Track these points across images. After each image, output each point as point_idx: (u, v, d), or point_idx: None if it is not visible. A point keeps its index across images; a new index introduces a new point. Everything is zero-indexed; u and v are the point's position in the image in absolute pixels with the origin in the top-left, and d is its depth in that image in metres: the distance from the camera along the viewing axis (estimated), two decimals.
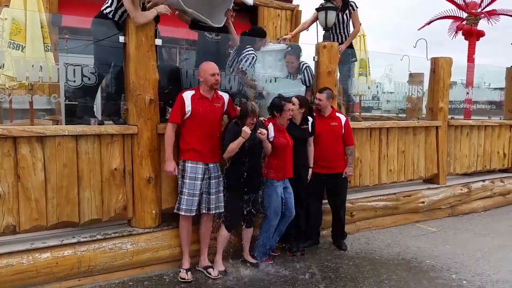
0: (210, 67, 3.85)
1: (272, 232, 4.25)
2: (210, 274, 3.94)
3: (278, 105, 4.17)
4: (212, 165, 3.90)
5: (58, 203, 3.62)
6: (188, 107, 3.79)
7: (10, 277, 3.36)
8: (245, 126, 3.79)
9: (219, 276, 3.91)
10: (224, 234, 4.03)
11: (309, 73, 5.08)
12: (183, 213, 3.82)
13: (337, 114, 4.79)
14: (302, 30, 6.29)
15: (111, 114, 4.42)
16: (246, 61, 4.77)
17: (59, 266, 3.54)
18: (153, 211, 3.99)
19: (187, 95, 3.83)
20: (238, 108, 4.08)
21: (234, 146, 3.79)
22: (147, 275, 3.93)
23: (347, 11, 5.77)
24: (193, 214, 3.84)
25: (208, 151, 3.85)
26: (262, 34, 5.13)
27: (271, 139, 4.09)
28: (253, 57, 4.82)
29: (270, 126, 4.16)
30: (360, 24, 6.01)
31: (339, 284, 3.91)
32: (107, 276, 3.79)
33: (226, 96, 4.07)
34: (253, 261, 4.21)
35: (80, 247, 3.65)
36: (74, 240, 3.66)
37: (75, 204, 3.70)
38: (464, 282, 4.01)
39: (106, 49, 4.12)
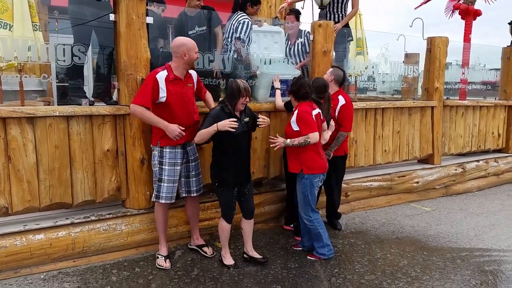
0: (193, 44, 3.57)
1: None
2: (206, 252, 3.94)
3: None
4: (189, 148, 3.75)
5: (50, 185, 3.58)
6: (163, 93, 3.49)
7: (3, 258, 3.35)
8: (227, 121, 3.43)
9: (214, 255, 3.92)
10: (224, 226, 3.71)
11: (310, 40, 5.01)
12: (163, 201, 3.65)
13: (339, 96, 4.48)
14: (299, 1, 6.19)
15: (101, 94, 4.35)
16: (242, 28, 4.68)
17: (53, 247, 3.53)
18: (147, 192, 3.96)
19: (161, 77, 3.48)
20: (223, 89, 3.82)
21: (204, 132, 3.46)
22: (142, 256, 3.94)
23: None
24: (173, 201, 3.71)
25: (186, 135, 3.60)
26: (256, 1, 5.03)
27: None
28: (248, 22, 4.74)
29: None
30: None
31: (334, 262, 3.93)
32: (102, 257, 3.79)
33: (194, 74, 3.80)
34: (259, 256, 3.86)
35: (74, 228, 3.64)
36: (68, 222, 3.64)
37: (68, 185, 3.67)
38: (458, 260, 4.05)
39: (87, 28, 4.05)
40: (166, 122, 3.50)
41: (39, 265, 3.53)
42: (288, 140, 3.79)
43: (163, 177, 3.64)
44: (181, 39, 3.63)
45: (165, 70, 3.55)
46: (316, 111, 3.88)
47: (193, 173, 3.81)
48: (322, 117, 3.99)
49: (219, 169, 3.64)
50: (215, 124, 3.44)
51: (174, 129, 3.48)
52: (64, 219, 3.67)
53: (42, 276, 3.49)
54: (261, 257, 3.86)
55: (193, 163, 3.81)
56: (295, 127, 3.79)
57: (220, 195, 3.72)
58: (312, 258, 3.99)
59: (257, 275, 3.62)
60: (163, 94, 3.51)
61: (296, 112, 3.83)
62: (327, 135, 4.17)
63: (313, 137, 3.71)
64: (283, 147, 3.92)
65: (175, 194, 3.72)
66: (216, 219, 4.28)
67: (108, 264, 3.75)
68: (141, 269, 3.67)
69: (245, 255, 3.89)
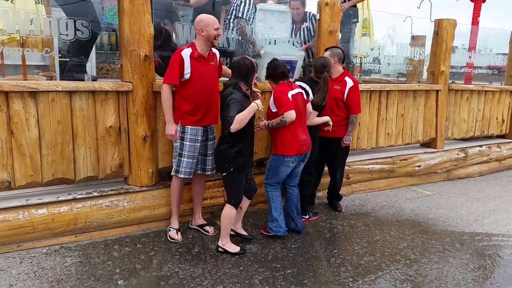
0: (213, 20, 3.57)
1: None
2: (208, 232, 3.98)
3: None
4: (209, 126, 3.80)
5: (53, 160, 3.59)
6: (188, 69, 3.54)
7: (6, 232, 3.38)
8: (258, 100, 3.41)
9: (215, 233, 3.95)
10: (233, 213, 3.57)
11: (316, 19, 4.93)
12: (182, 176, 3.72)
13: (346, 77, 4.45)
14: None
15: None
16: (243, 7, 4.61)
17: (56, 222, 3.55)
18: (150, 170, 3.97)
19: (186, 54, 3.55)
20: (232, 67, 3.67)
21: (246, 115, 3.29)
22: (144, 232, 3.97)
23: None
24: (192, 176, 3.80)
25: (207, 114, 3.70)
26: None
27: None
28: (249, 0, 4.67)
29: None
30: None
31: (333, 243, 3.97)
32: (104, 232, 3.82)
33: (217, 53, 3.84)
34: (246, 233, 3.93)
35: (76, 204, 3.65)
36: (70, 197, 3.66)
37: (70, 161, 3.67)
38: (457, 244, 4.07)
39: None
40: (170, 117, 3.62)
41: (42, 239, 3.56)
42: (268, 122, 3.83)
43: (183, 152, 3.70)
44: (200, 16, 3.63)
45: (190, 48, 3.60)
46: (295, 91, 3.84)
47: (210, 152, 3.84)
48: (306, 98, 3.94)
49: (237, 153, 3.45)
50: (255, 104, 3.35)
51: (170, 129, 3.63)
52: (67, 194, 3.69)
53: (44, 250, 3.52)
54: (247, 234, 3.92)
55: (211, 142, 3.85)
56: (273, 108, 3.82)
57: (235, 181, 3.53)
58: (264, 232, 4.04)
59: (257, 254, 3.65)
60: (187, 71, 3.56)
61: (272, 92, 3.84)
62: (313, 117, 4.11)
63: (288, 116, 3.66)
64: (265, 129, 3.95)
65: (193, 170, 3.77)
66: (217, 198, 4.30)
67: (110, 240, 3.78)
68: (143, 245, 3.71)
69: (232, 232, 3.82)
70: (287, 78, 3.87)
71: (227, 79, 3.83)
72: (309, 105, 4.01)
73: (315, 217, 4.53)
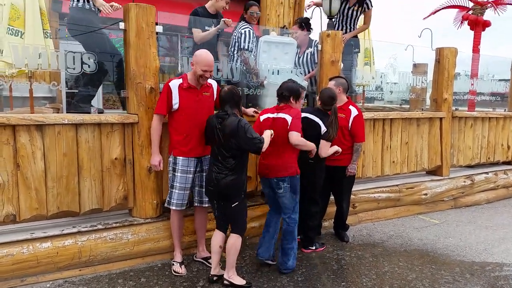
0: (205, 61, 3.53)
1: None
2: (211, 264, 3.91)
3: (295, 89, 3.77)
4: (204, 158, 3.76)
5: (58, 193, 3.58)
6: (176, 99, 3.57)
7: (10, 266, 3.34)
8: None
9: (220, 266, 3.87)
10: (239, 242, 3.51)
11: (318, 50, 5.02)
12: (174, 208, 3.71)
13: (350, 106, 4.50)
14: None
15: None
16: (244, 39, 4.71)
17: (60, 255, 3.52)
18: (154, 201, 3.96)
19: (174, 85, 3.58)
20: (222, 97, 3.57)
21: (270, 135, 3.53)
22: (148, 265, 3.91)
23: (360, 8, 5.68)
24: (184, 208, 3.76)
25: (199, 145, 3.66)
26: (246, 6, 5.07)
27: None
28: (249, 30, 4.78)
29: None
30: None
31: (341, 275, 3.89)
32: (108, 266, 3.77)
33: (214, 84, 3.83)
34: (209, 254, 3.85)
35: (81, 237, 3.63)
36: (75, 230, 3.63)
37: (75, 193, 3.67)
38: (467, 275, 3.98)
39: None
40: (155, 149, 3.68)
41: (46, 273, 3.52)
42: None
43: (175, 184, 3.69)
44: (200, 51, 3.65)
45: (181, 79, 3.64)
46: (267, 115, 3.81)
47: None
48: (271, 122, 3.77)
49: (245, 179, 3.56)
50: (271, 131, 3.56)
51: (153, 159, 3.69)
52: (71, 227, 3.67)
53: (48, 285, 3.48)
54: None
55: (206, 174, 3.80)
56: None
57: (243, 207, 3.54)
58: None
59: (263, 287, 3.58)
60: (176, 101, 3.59)
61: None
62: (327, 149, 4.06)
63: None
64: None
65: (185, 202, 3.74)
66: None
67: (114, 274, 3.73)
68: (147, 279, 3.65)
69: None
70: (279, 101, 3.87)
71: None
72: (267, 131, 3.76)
73: (322, 248, 4.47)
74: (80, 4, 4.16)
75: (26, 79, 4.71)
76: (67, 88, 4.88)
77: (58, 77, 4.64)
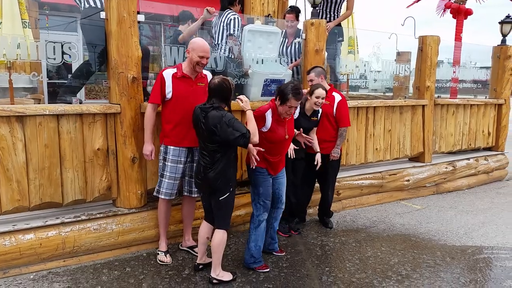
0: (201, 47, 3.51)
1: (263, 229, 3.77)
2: (197, 253, 3.93)
3: (297, 91, 3.49)
4: (196, 148, 3.72)
5: (40, 184, 3.55)
6: (169, 88, 3.56)
7: None
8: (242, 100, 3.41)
9: (206, 254, 3.90)
10: (225, 238, 3.42)
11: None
12: (162, 197, 3.72)
13: (334, 93, 4.54)
14: None
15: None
16: (234, 24, 4.70)
17: (43, 247, 3.50)
18: (138, 191, 3.95)
19: (168, 74, 3.58)
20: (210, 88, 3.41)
21: (255, 124, 3.34)
22: (133, 255, 3.92)
23: None
24: (173, 197, 3.77)
25: (192, 134, 3.59)
26: None
27: (265, 130, 3.59)
28: (238, 18, 4.77)
29: (268, 114, 3.59)
30: None
31: (325, 260, 3.95)
32: (92, 256, 3.77)
33: (209, 75, 3.83)
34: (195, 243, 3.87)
35: (65, 228, 3.61)
36: (58, 221, 3.62)
37: (58, 184, 3.64)
38: (448, 258, 4.09)
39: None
40: (149, 138, 3.64)
41: (29, 265, 3.50)
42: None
43: (165, 173, 3.70)
44: (195, 38, 3.66)
45: (175, 68, 3.64)
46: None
47: None
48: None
49: (234, 171, 3.42)
50: (250, 112, 3.41)
51: (146, 148, 3.65)
52: (54, 218, 3.65)
53: (31, 277, 3.46)
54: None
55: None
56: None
57: (231, 200, 3.43)
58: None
59: (249, 274, 3.62)
60: (169, 90, 3.58)
61: None
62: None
63: None
64: None
65: (175, 191, 3.75)
66: None
67: (98, 264, 3.73)
68: (132, 269, 3.66)
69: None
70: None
71: None
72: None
73: (287, 235, 4.50)
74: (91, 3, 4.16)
75: (5, 70, 4.62)
76: (48, 79, 4.80)
77: (39, 67, 4.56)
